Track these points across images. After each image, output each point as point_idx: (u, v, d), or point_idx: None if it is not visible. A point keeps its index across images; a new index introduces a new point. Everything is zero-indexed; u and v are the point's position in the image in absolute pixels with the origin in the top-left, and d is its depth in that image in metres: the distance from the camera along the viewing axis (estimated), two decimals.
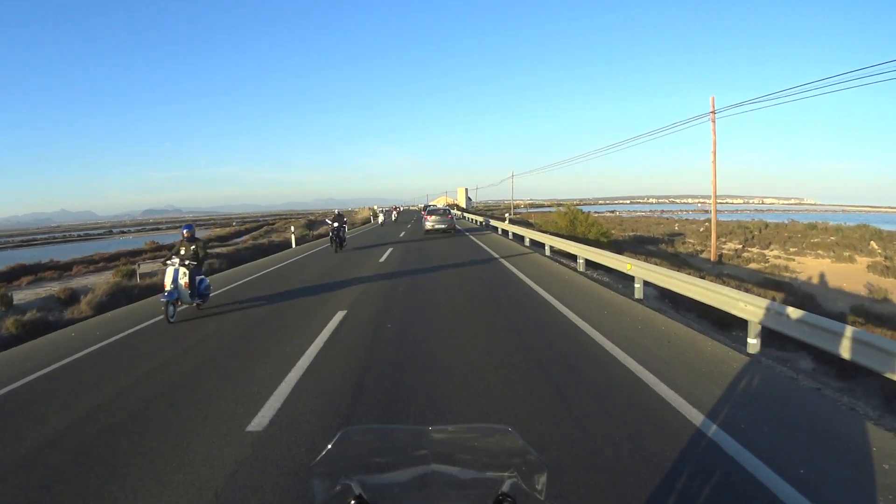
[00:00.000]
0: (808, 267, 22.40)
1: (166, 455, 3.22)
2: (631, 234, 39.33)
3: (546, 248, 15.09)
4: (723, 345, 5.37)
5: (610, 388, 4.12)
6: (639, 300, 8.03)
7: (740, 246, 29.94)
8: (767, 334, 5.38)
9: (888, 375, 3.71)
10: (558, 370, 4.56)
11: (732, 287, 7.54)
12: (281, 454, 3.15)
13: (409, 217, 47.85)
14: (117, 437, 3.54)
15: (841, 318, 9.39)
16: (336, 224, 16.72)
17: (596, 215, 29.81)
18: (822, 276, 19.85)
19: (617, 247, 19.97)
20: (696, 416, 3.53)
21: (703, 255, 25.80)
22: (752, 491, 2.66)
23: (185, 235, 7.85)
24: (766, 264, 23.18)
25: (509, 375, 4.43)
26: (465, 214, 47.40)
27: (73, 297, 12.18)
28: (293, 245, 21.28)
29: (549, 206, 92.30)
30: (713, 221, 22.49)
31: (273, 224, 62.28)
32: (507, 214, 41.50)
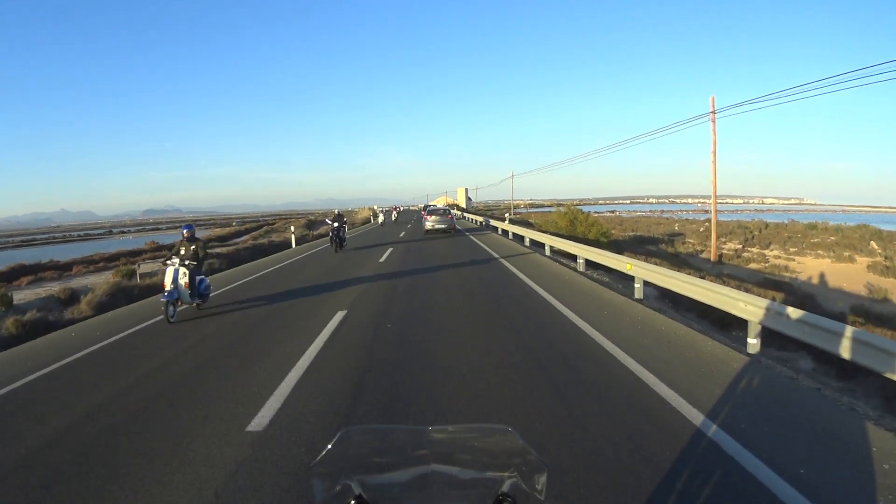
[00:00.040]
0: (809, 267, 22.40)
1: (166, 455, 3.22)
2: (631, 234, 39.33)
3: (546, 248, 15.09)
4: (723, 345, 5.37)
5: (610, 388, 4.12)
6: (639, 300, 8.03)
7: (740, 246, 29.95)
8: (767, 334, 5.38)
9: (888, 375, 3.70)
10: (558, 370, 4.56)
11: (732, 287, 7.53)
12: (281, 454, 3.15)
13: (409, 217, 47.83)
14: (117, 437, 3.54)
15: (841, 318, 9.39)
16: (336, 224, 16.70)
17: (596, 215, 29.80)
18: (822, 276, 19.85)
19: (617, 247, 19.97)
20: (696, 416, 3.52)
21: (703, 255, 25.80)
22: (752, 491, 2.66)
23: (185, 235, 7.85)
24: (766, 264, 23.18)
25: (509, 375, 4.43)
26: (465, 214, 47.39)
27: (73, 297, 12.18)
28: (293, 245, 21.29)
29: (548, 206, 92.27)
30: (713, 221, 22.49)
31: (273, 224, 62.28)
32: (507, 214, 41.50)
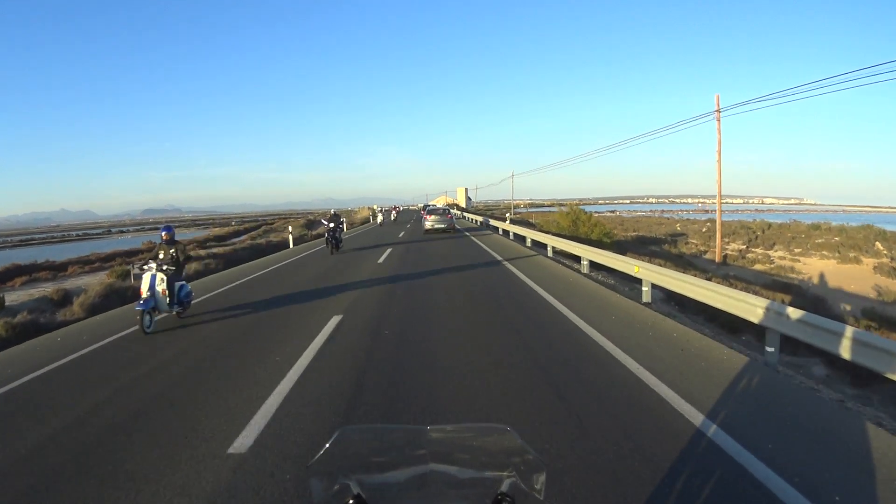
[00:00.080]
0: (814, 268, 22.11)
1: (138, 482, 2.92)
2: (633, 234, 39.03)
3: (548, 248, 14.79)
4: (739, 353, 5.09)
5: (630, 406, 3.79)
6: (647, 304, 7.74)
7: (744, 246, 29.65)
8: (784, 340, 5.08)
9: None
10: (566, 378, 4.25)
11: (750, 292, 7.23)
12: (264, 478, 2.85)
13: (409, 217, 47.56)
14: (78, 467, 3.24)
15: (854, 322, 9.09)
16: (332, 224, 16.14)
17: (597, 215, 29.49)
18: (828, 277, 19.55)
19: (620, 247, 19.68)
20: (723, 440, 3.23)
21: (707, 256, 25.52)
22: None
23: (164, 238, 7.20)
24: (772, 265, 22.90)
25: (521, 393, 4.13)
26: (465, 214, 47.21)
27: (66, 298, 11.91)
28: (291, 245, 21.00)
29: (549, 206, 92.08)
30: (718, 222, 22.20)
31: (272, 224, 62.07)
32: (507, 214, 41.28)
